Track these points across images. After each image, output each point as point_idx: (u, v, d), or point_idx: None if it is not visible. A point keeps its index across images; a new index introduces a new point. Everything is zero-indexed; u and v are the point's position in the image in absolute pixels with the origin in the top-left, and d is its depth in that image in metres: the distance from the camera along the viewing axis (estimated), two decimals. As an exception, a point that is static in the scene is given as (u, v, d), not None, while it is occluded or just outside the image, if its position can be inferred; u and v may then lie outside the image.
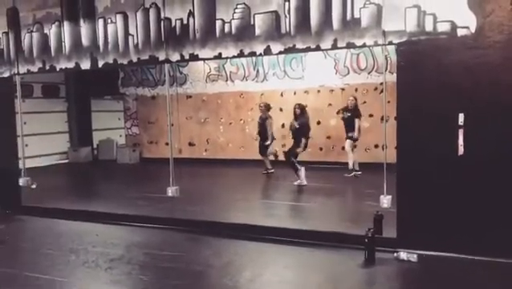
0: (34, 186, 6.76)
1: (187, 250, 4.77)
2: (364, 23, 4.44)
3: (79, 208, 6.48)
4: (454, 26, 4.09)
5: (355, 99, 8.61)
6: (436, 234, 4.31)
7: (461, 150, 4.16)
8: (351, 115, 8.49)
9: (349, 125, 8.54)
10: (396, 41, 4.34)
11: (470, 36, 4.05)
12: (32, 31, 6.36)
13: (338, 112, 8.85)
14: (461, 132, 4.15)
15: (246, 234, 5.08)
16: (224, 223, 5.48)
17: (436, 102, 4.24)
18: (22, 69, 6.49)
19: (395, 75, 4.54)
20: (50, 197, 7.17)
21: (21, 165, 6.77)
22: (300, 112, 7.82)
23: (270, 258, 4.56)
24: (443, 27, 4.13)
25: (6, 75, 6.61)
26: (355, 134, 8.46)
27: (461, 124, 4.14)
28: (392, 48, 4.98)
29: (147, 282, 3.94)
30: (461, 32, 4.08)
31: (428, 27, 4.18)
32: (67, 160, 11.94)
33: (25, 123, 7.06)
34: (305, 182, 7.55)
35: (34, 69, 6.42)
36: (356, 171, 8.52)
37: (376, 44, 4.51)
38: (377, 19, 4.38)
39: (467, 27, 4.06)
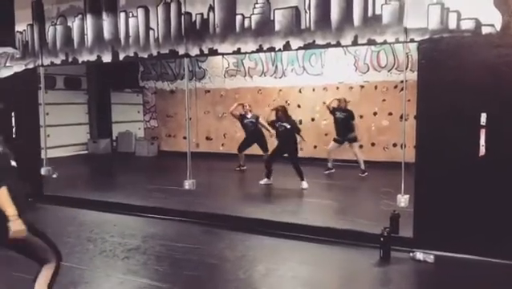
0: (55, 176, 6.93)
1: (202, 243, 4.81)
2: (386, 20, 4.39)
3: (98, 198, 6.60)
4: (479, 24, 4.00)
5: (345, 100, 8.46)
6: (454, 235, 4.25)
7: (482, 151, 4.08)
8: (347, 115, 8.29)
9: (343, 126, 8.35)
10: (417, 38, 4.27)
11: (495, 34, 3.96)
12: (56, 24, 6.49)
13: (328, 106, 8.54)
14: (482, 133, 4.06)
15: (261, 229, 5.11)
16: (239, 217, 5.51)
17: (458, 101, 4.16)
18: (46, 61, 6.65)
19: (415, 73, 4.47)
20: (70, 186, 7.34)
21: (43, 155, 6.95)
22: (283, 114, 7.34)
23: (284, 254, 4.56)
24: (467, 25, 4.05)
25: (31, 66, 6.77)
26: (354, 134, 8.34)
27: (483, 124, 4.06)
28: (413, 46, 4.91)
29: (162, 273, 4.00)
30: (485, 30, 3.99)
31: (452, 25, 4.10)
32: (86, 152, 12.17)
33: (47, 114, 7.24)
34: (262, 182, 7.48)
35: (58, 61, 6.57)
36: (330, 169, 8.54)
37: (398, 41, 4.46)
38: (399, 16, 4.32)
39: (492, 25, 3.96)
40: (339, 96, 8.83)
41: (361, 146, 9.52)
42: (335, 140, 8.52)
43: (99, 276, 3.97)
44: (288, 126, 7.31)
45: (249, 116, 8.82)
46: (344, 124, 8.34)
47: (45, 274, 2.54)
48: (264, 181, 7.54)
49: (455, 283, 3.78)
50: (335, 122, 8.49)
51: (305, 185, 7.19)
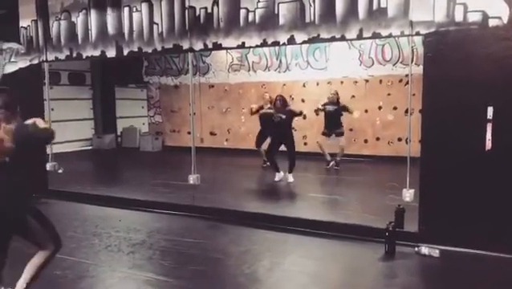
0: (60, 171, 6.96)
1: (207, 237, 4.82)
2: (391, 13, 4.34)
3: (103, 193, 6.63)
4: (486, 17, 3.95)
5: (337, 93, 8.45)
6: (460, 230, 4.23)
7: (488, 145, 4.05)
8: (337, 108, 8.29)
9: (332, 118, 8.35)
10: (423, 31, 4.22)
11: (502, 27, 3.91)
12: (60, 19, 6.48)
13: (317, 112, 8.58)
14: (489, 126, 4.03)
15: (265, 224, 5.10)
16: (243, 212, 5.52)
17: (464, 95, 4.12)
18: (51, 56, 6.64)
19: (421, 66, 4.44)
20: (75, 181, 7.37)
21: (48, 150, 6.97)
22: (282, 103, 7.19)
23: (288, 248, 4.57)
24: (474, 17, 4.00)
25: (35, 62, 6.77)
26: (342, 129, 8.37)
27: (490, 117, 4.02)
28: (418, 39, 4.86)
29: (167, 267, 4.01)
30: (492, 23, 3.94)
31: (458, 17, 4.05)
32: (91, 147, 12.23)
33: (52, 109, 7.25)
34: (277, 179, 7.33)
35: (62, 56, 6.56)
36: (330, 162, 8.53)
37: (403, 35, 4.40)
38: (404, 9, 4.27)
39: (499, 17, 3.91)
40: (341, 90, 8.82)
41: (366, 141, 9.53)
42: (323, 133, 8.56)
43: (105, 270, 3.99)
44: (284, 116, 7.17)
45: (266, 106, 8.40)
46: (333, 117, 8.34)
47: (39, 257, 2.91)
48: (278, 177, 7.31)
49: (460, 278, 3.76)
50: (325, 115, 8.49)
51: (291, 178, 7.11)
